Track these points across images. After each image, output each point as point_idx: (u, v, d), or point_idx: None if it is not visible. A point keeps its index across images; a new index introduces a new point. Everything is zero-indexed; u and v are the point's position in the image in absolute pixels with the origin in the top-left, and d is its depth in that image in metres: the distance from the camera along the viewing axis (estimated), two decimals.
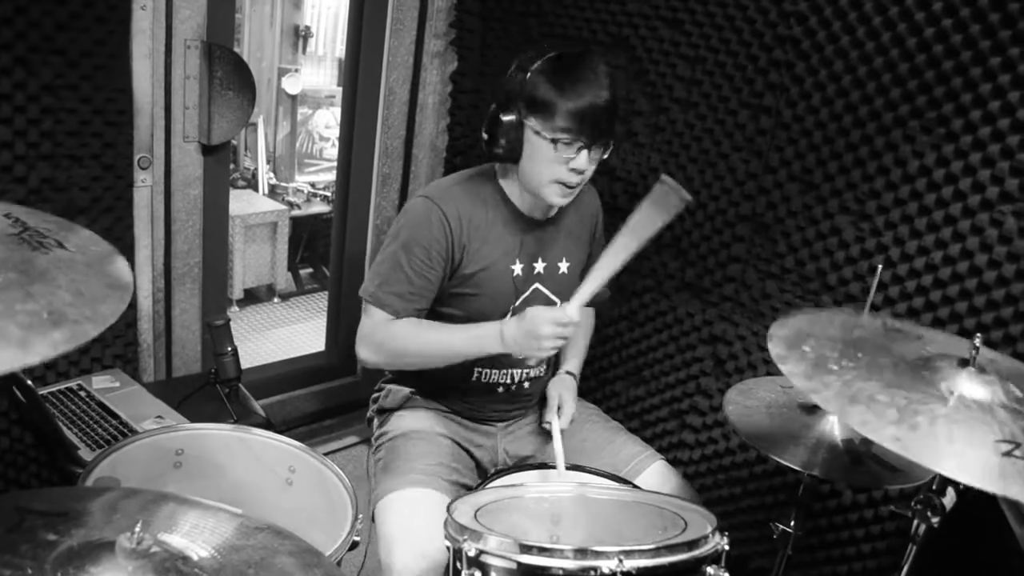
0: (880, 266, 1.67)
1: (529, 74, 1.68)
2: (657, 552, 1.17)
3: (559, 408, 1.94)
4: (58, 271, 1.12)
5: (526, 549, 1.18)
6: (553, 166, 1.71)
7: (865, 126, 1.94)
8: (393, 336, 1.80)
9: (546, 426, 1.94)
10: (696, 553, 1.20)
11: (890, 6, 1.86)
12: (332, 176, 5.02)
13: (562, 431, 1.88)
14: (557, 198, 1.78)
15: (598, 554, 1.14)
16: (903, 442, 1.04)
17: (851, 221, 2.00)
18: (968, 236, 1.83)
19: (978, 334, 1.20)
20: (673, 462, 2.36)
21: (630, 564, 1.13)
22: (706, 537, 1.23)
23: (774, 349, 1.21)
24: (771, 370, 2.20)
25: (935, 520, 1.29)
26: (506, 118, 1.71)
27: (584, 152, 1.69)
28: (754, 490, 2.28)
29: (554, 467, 1.81)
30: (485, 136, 1.75)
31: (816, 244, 2.07)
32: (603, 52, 2.39)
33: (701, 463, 2.39)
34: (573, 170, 1.71)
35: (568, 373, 2.05)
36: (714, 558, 1.23)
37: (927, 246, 1.89)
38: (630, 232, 1.62)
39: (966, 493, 1.35)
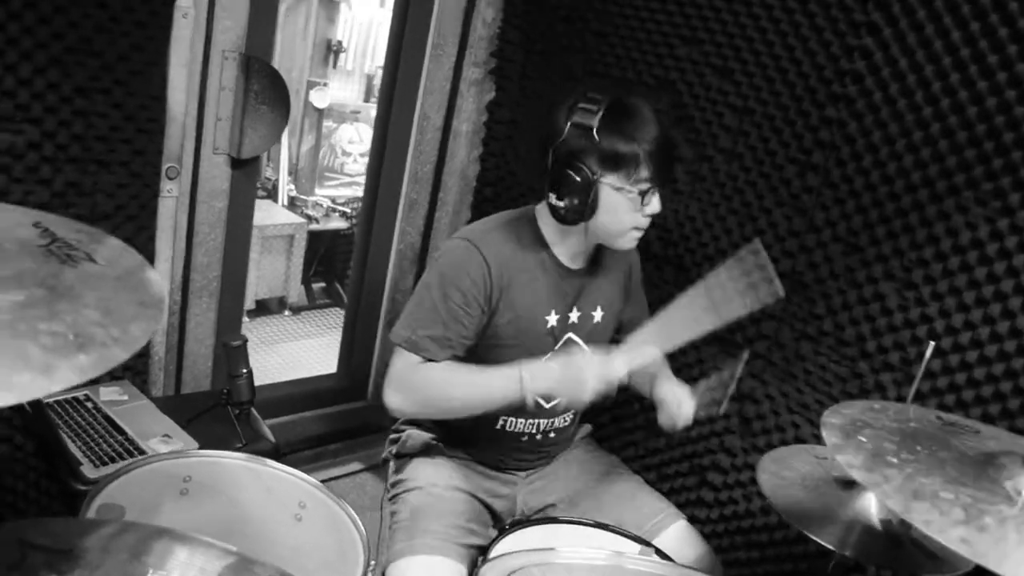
0: (932, 343, 1.60)
1: (595, 131, 1.62)
2: None
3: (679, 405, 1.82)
4: (86, 287, 1.06)
5: None
6: (634, 216, 1.68)
7: (917, 192, 1.88)
8: (428, 381, 1.71)
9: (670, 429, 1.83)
10: None
11: (951, 72, 1.80)
12: (351, 191, 4.99)
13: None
14: (631, 244, 1.76)
15: None
16: (971, 545, 0.97)
17: (896, 288, 1.94)
18: (1019, 315, 1.76)
19: None
20: (690, 520, 2.30)
21: None
22: None
23: (830, 438, 1.15)
24: (799, 435, 2.13)
25: None
26: (578, 178, 1.64)
27: (657, 195, 1.69)
28: (774, 556, 2.20)
29: (580, 522, 1.75)
30: (556, 202, 1.68)
31: (857, 308, 2.00)
32: (646, 94, 2.34)
33: (719, 523, 2.31)
34: (649, 215, 1.70)
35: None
36: None
37: (974, 321, 1.82)
38: (706, 294, 1.62)
39: None
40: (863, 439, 1.15)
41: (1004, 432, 1.35)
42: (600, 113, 1.62)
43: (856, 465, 1.08)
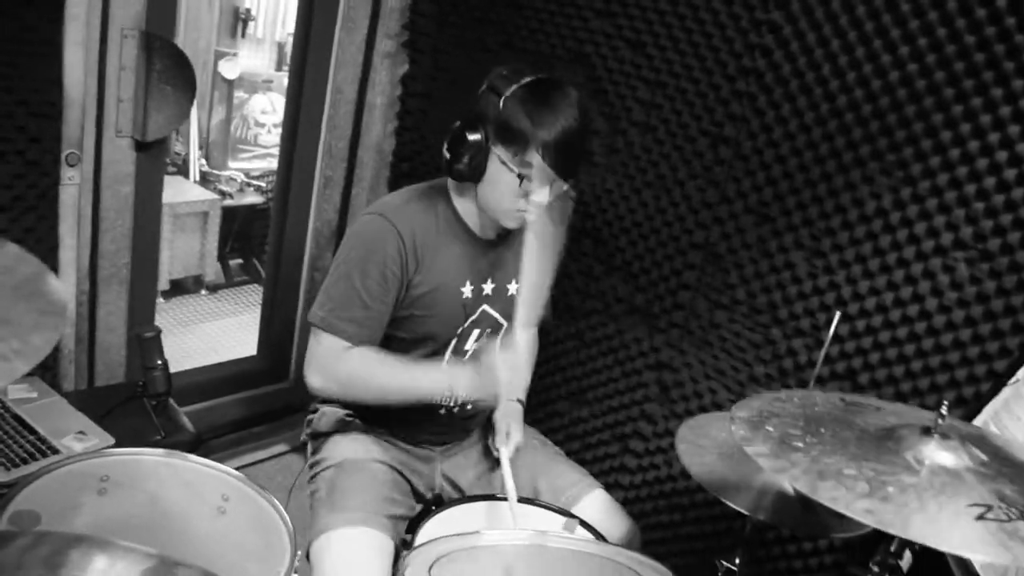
0: (838, 313, 1.66)
1: (502, 99, 1.60)
2: None
3: (507, 436, 1.89)
4: None
5: None
6: (514, 198, 1.66)
7: (825, 164, 1.93)
8: (350, 367, 1.72)
9: (495, 453, 1.88)
10: None
11: (857, 46, 1.85)
12: (266, 164, 4.87)
13: (510, 459, 1.84)
14: (513, 224, 1.74)
15: None
16: (876, 515, 1.02)
17: (805, 257, 2.00)
18: (920, 280, 1.84)
19: (944, 402, 1.20)
20: (613, 486, 2.36)
21: None
22: None
23: (738, 431, 1.19)
24: (716, 401, 2.19)
25: None
26: (472, 138, 1.63)
27: (547, 187, 1.65)
28: (694, 519, 2.28)
29: (502, 498, 1.76)
30: (447, 154, 1.67)
31: (768, 277, 2.06)
32: (563, 68, 2.34)
33: (642, 488, 2.37)
34: (533, 203, 1.66)
35: (517, 400, 2.00)
36: None
37: (879, 287, 1.90)
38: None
39: (921, 555, 1.36)
40: (770, 428, 1.20)
41: (902, 406, 1.43)
42: (517, 83, 1.61)
43: (764, 454, 1.13)
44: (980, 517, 1.02)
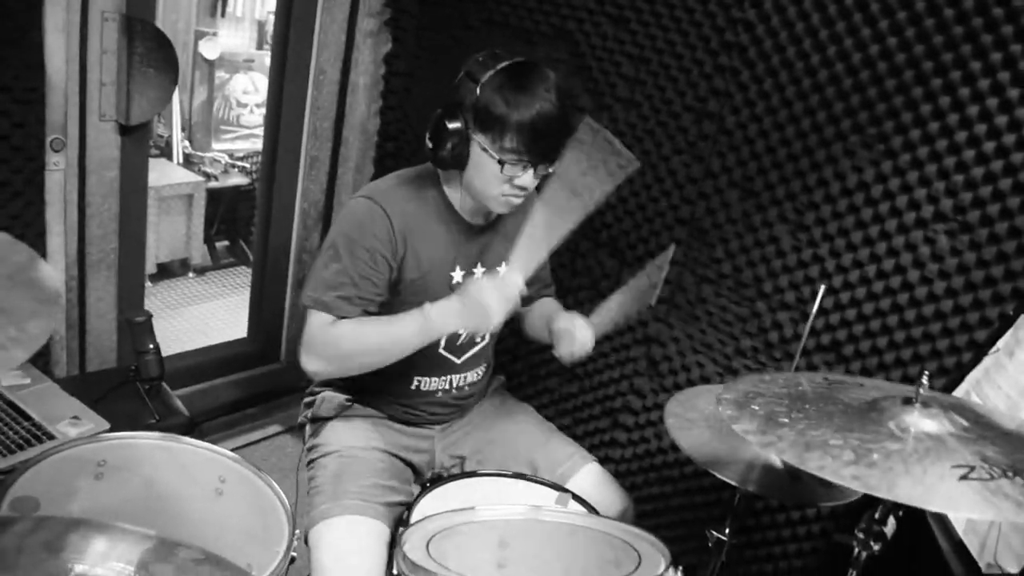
0: (823, 287, 1.69)
1: (479, 86, 1.61)
2: None
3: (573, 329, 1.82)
4: None
5: None
6: (498, 183, 1.67)
7: (807, 138, 1.95)
8: (339, 338, 1.71)
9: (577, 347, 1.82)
10: None
11: (838, 20, 1.87)
12: (250, 144, 4.84)
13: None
14: (502, 209, 1.75)
15: None
16: (863, 480, 1.06)
17: (789, 231, 2.02)
18: (902, 252, 1.87)
19: (925, 372, 1.23)
20: (605, 460, 2.39)
21: None
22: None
23: (725, 411, 1.22)
24: (704, 375, 2.23)
25: (876, 548, 1.32)
26: (452, 126, 1.64)
27: (530, 170, 1.66)
28: (684, 491, 2.32)
29: (501, 474, 1.80)
30: (430, 143, 1.68)
31: (753, 251, 2.08)
32: (545, 45, 2.34)
33: (633, 462, 2.41)
34: (517, 187, 1.67)
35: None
36: None
37: (861, 260, 1.92)
38: (571, 194, 1.65)
39: (904, 520, 1.39)
40: (756, 407, 1.23)
41: (884, 382, 1.47)
42: (494, 69, 1.62)
43: (751, 431, 1.16)
44: (964, 477, 1.06)
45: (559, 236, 1.69)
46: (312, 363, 1.74)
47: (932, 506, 1.02)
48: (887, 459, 1.09)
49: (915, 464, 1.08)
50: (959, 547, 1.53)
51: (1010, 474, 1.06)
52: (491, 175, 1.66)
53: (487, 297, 1.60)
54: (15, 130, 1.97)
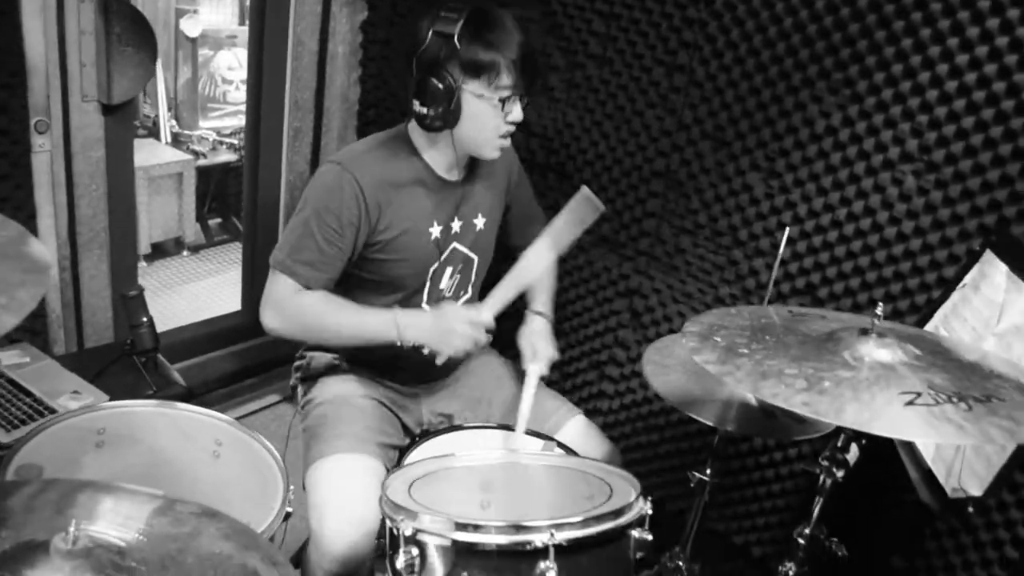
0: (788, 228, 1.73)
1: (456, 38, 1.65)
2: (586, 523, 1.22)
3: (535, 353, 1.96)
4: None
5: (461, 527, 1.21)
6: (495, 125, 1.74)
7: (775, 86, 1.99)
8: (303, 309, 1.78)
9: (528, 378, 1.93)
10: (622, 521, 1.26)
11: None
12: (237, 121, 4.85)
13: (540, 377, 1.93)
14: (497, 152, 1.81)
15: (529, 528, 1.19)
16: (812, 406, 1.12)
17: (761, 178, 2.06)
18: (871, 194, 1.91)
19: (880, 303, 1.28)
20: (593, 412, 2.46)
21: (560, 536, 1.18)
22: (630, 504, 1.29)
23: (689, 343, 1.28)
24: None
25: (840, 475, 1.38)
26: (440, 85, 1.68)
27: (519, 104, 1.73)
28: (670, 437, 2.38)
29: (488, 427, 1.85)
30: (421, 109, 1.72)
31: (728, 200, 2.13)
32: (518, 5, 2.36)
33: (620, 412, 2.47)
34: (512, 122, 1.75)
35: (537, 313, 2.07)
36: (639, 522, 1.29)
37: (832, 203, 1.97)
38: (550, 240, 1.74)
39: (868, 449, 1.45)
40: (718, 339, 1.29)
41: (846, 315, 1.52)
42: (461, 21, 1.66)
43: (711, 361, 1.22)
44: (909, 403, 1.11)
45: (532, 276, 1.80)
46: (271, 320, 1.82)
47: (875, 430, 1.07)
48: (838, 386, 1.15)
49: (864, 391, 1.14)
50: (927, 475, 1.60)
51: (955, 400, 1.12)
52: (490, 119, 1.73)
53: (458, 326, 1.72)
54: None
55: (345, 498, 1.68)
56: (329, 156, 2.80)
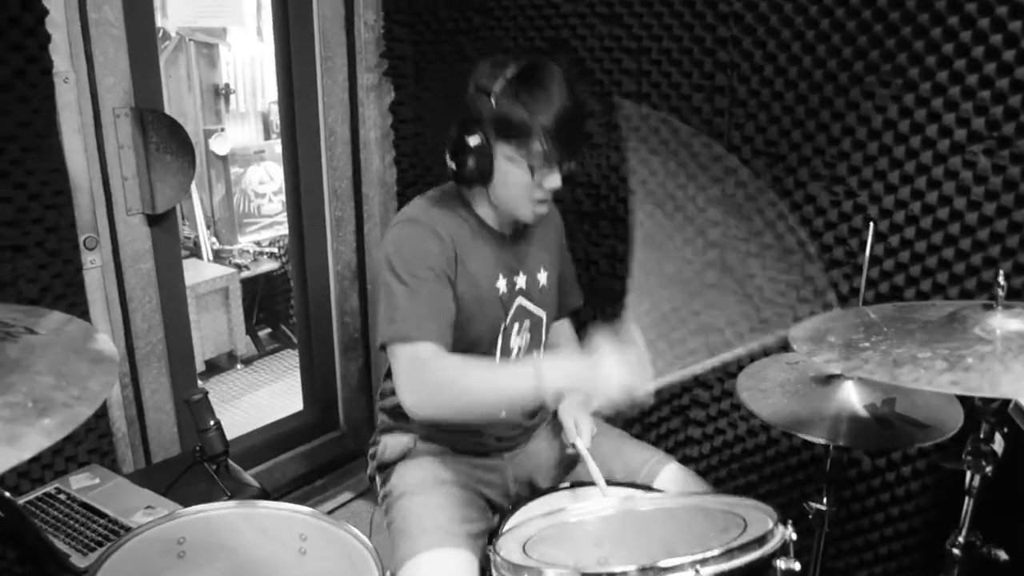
0: (872, 223, 1.64)
1: (493, 97, 1.58)
2: (730, 555, 1.11)
3: (577, 427, 1.85)
4: (33, 356, 1.05)
5: None
6: (528, 189, 1.64)
7: (822, 89, 1.93)
8: (440, 376, 1.58)
9: (570, 451, 1.84)
10: (767, 549, 1.14)
11: None
12: (274, 232, 4.91)
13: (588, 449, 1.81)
14: (531, 218, 1.72)
15: (668, 570, 1.07)
16: (962, 384, 1.02)
17: (823, 187, 1.98)
18: (944, 182, 1.82)
19: (1001, 270, 1.18)
20: (684, 460, 2.32)
21: (705, 572, 1.06)
22: (771, 531, 1.17)
23: (801, 347, 1.18)
24: (768, 351, 2.15)
25: (989, 469, 1.25)
26: (473, 143, 1.61)
27: (557, 171, 1.63)
28: (770, 475, 2.24)
29: (587, 484, 1.74)
30: (452, 164, 1.66)
31: (793, 215, 2.04)
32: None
33: (712, 456, 2.34)
34: (547, 190, 1.65)
35: None
36: (783, 550, 1.17)
37: (904, 199, 1.88)
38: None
39: (1015, 437, 1.32)
40: (832, 339, 1.19)
41: (954, 301, 1.41)
42: (504, 77, 1.59)
43: (834, 359, 1.12)
44: None
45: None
46: (408, 398, 1.60)
47: None
48: (982, 361, 1.05)
49: (1012, 360, 1.03)
50: None
51: None
52: (521, 183, 1.63)
53: (615, 379, 1.44)
54: (49, 235, 2.00)
55: None
56: (378, 245, 2.77)
